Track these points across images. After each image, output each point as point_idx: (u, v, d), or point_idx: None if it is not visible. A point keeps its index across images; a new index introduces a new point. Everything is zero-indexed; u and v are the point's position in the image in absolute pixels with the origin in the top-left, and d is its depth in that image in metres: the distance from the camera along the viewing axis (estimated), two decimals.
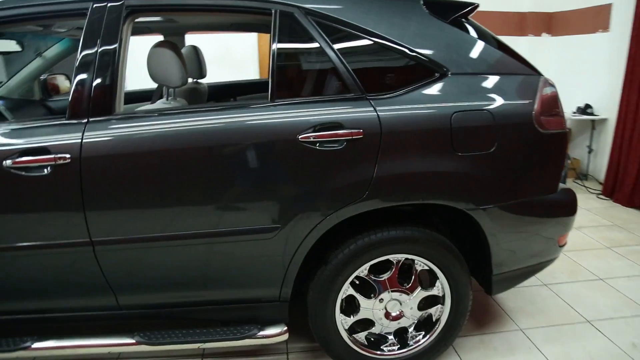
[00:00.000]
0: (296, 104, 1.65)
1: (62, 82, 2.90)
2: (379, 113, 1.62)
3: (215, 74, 3.32)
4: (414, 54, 1.68)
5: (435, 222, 1.93)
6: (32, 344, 1.71)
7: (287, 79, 1.70)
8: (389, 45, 1.67)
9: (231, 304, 1.81)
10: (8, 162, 1.53)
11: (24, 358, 1.98)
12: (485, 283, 1.94)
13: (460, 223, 1.87)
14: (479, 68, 1.73)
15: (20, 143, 1.57)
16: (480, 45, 1.76)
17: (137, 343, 1.73)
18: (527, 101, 1.72)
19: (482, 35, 1.80)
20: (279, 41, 1.65)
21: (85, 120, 1.59)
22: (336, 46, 1.65)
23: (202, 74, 2.62)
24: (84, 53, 1.60)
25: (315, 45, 1.65)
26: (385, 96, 1.65)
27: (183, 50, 2.48)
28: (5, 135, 1.60)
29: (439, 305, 1.91)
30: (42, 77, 2.66)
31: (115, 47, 1.61)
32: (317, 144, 1.59)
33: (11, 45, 2.22)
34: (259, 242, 1.67)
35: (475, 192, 1.71)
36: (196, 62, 2.53)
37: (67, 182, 1.55)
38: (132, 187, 1.59)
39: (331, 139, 1.59)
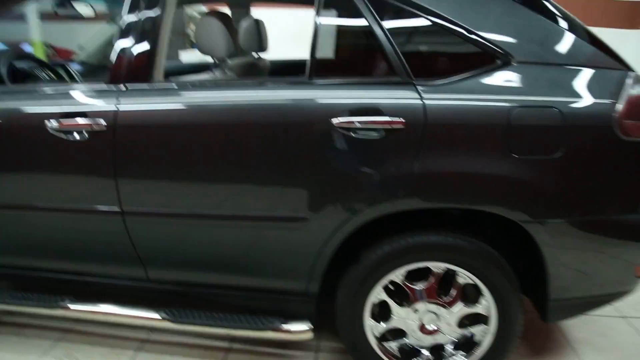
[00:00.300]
0: (334, 85, 1.54)
1: None
2: (425, 101, 1.45)
3: (291, 51, 3.27)
4: (474, 36, 1.47)
5: (489, 232, 1.71)
6: (69, 304, 1.79)
7: (327, 56, 1.60)
8: (444, 25, 1.49)
9: (258, 292, 1.76)
10: (54, 124, 1.60)
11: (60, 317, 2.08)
12: (541, 307, 1.69)
13: (515, 236, 1.64)
14: (551, 57, 1.48)
15: (64, 105, 1.64)
16: (555, 30, 1.51)
17: (162, 319, 1.74)
18: (608, 100, 1.44)
19: (559, 19, 1.54)
20: (322, 15, 1.55)
21: (122, 86, 1.62)
22: (385, 23, 1.50)
23: (262, 48, 2.57)
24: (127, 20, 1.64)
25: (362, 21, 1.52)
26: (435, 83, 1.48)
27: (243, 22, 2.44)
28: (52, 97, 1.67)
29: (483, 326, 1.70)
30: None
31: (159, 15, 1.62)
32: (353, 131, 1.47)
33: (87, 10, 2.35)
34: (285, 232, 1.60)
35: (533, 203, 1.47)
36: (256, 36, 2.48)
37: (102, 149, 1.58)
38: (161, 160, 1.59)
39: (368, 127, 1.46)
